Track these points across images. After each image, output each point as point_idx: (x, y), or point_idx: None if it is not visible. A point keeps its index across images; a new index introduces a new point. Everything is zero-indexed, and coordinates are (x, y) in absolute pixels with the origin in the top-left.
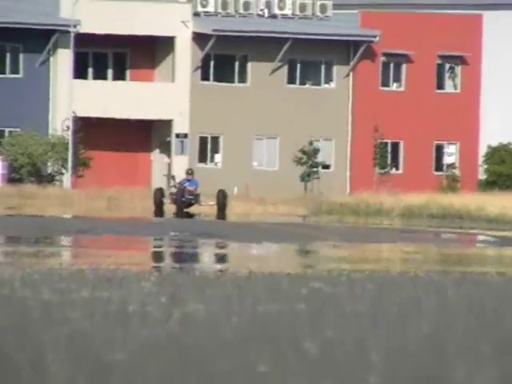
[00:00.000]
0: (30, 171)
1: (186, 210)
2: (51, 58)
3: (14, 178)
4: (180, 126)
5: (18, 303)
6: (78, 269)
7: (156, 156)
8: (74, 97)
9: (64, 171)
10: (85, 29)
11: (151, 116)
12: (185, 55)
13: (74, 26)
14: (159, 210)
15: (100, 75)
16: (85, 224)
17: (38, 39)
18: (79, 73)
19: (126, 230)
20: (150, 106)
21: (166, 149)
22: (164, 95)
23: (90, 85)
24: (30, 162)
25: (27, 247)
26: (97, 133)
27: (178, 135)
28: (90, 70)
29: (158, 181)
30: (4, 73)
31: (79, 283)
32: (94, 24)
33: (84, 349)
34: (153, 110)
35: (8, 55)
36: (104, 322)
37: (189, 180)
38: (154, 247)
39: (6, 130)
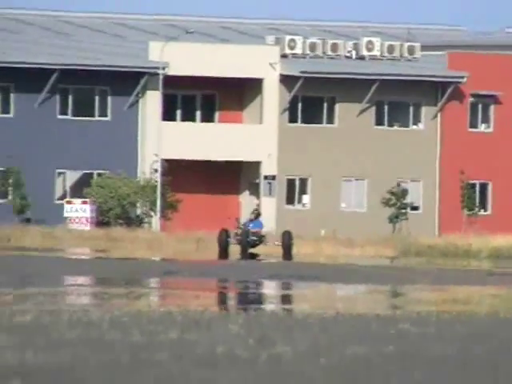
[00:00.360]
0: (118, 214)
1: (250, 250)
2: (140, 101)
3: (102, 221)
4: (268, 168)
5: (106, 345)
6: (166, 311)
7: (245, 198)
8: (162, 139)
9: (152, 214)
10: (173, 71)
11: (240, 158)
12: (273, 97)
13: (163, 69)
14: (224, 252)
15: (188, 117)
16: (173, 266)
17: (126, 82)
18: (168, 115)
19: (215, 272)
20: (239, 148)
21: (254, 190)
22: (252, 137)
23: (179, 127)
24: (119, 205)
25: (116, 289)
26: (185, 175)
27: (266, 177)
28: (179, 112)
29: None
30: (93, 116)
31: (167, 325)
32: (182, 66)
33: None
34: (241, 152)
35: (97, 98)
36: (192, 364)
37: (252, 220)
38: (242, 289)
39: (95, 172)
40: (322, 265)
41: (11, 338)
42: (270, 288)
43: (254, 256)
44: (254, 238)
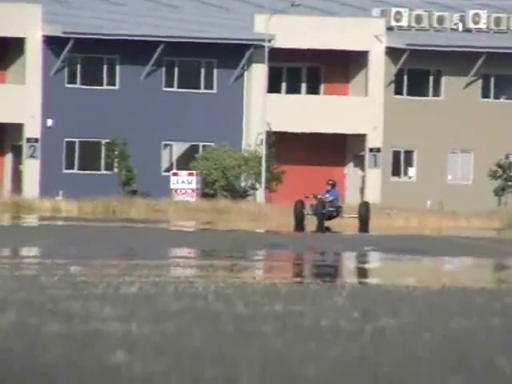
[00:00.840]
0: (223, 186)
1: (327, 222)
2: (245, 73)
3: (207, 193)
4: (373, 141)
5: (211, 317)
6: (270, 283)
7: (350, 170)
8: (267, 111)
9: (257, 186)
10: (279, 43)
11: (345, 130)
12: (378, 70)
13: (269, 41)
14: (299, 224)
15: (294, 89)
16: (277, 239)
17: (232, 54)
18: (273, 87)
19: (318, 244)
20: (344, 120)
21: (359, 163)
22: (357, 109)
23: (284, 99)
24: (224, 177)
25: (221, 261)
26: (290, 147)
27: (371, 149)
28: (284, 85)
29: (352, 194)
30: (198, 88)
31: (272, 297)
32: (287, 39)
33: (276, 364)
34: (346, 124)
35: (202, 71)
36: (296, 336)
37: (328, 191)
38: (347, 261)
39: (200, 144)
40: (428, 237)
41: (116, 310)
42: (373, 261)
43: (327, 229)
44: (331, 209)
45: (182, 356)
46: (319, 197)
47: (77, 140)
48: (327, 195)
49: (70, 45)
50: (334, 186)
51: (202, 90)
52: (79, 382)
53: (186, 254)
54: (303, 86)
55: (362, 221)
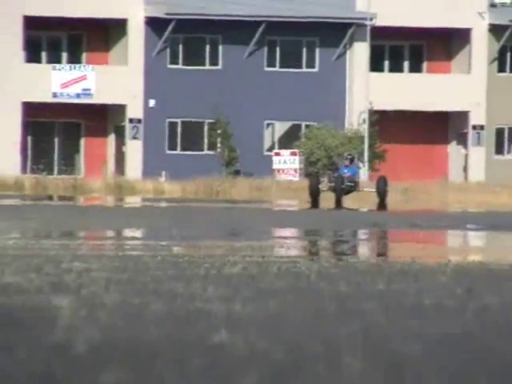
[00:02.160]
0: (326, 165)
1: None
2: (347, 52)
3: (310, 173)
4: (476, 118)
5: (314, 295)
6: (373, 262)
7: (453, 148)
8: (370, 90)
9: (360, 165)
10: (381, 22)
11: (447, 108)
12: (481, 47)
13: (371, 19)
14: (315, 200)
15: (396, 68)
16: (380, 217)
17: (334, 33)
18: (375, 66)
19: (422, 222)
20: (446, 98)
21: (462, 141)
22: (460, 87)
23: (387, 78)
24: (326, 156)
25: (324, 241)
26: (392, 125)
27: (474, 127)
28: (386, 63)
29: (455, 173)
30: (300, 67)
31: (375, 276)
32: (389, 17)
33: (378, 342)
34: (449, 102)
35: (304, 50)
36: (399, 314)
37: (347, 166)
38: (448, 239)
39: (303, 123)
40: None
41: (220, 290)
42: (478, 238)
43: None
44: (350, 183)
45: (285, 334)
46: (339, 173)
47: (179, 120)
48: (345, 170)
49: (172, 25)
50: (352, 160)
51: (304, 69)
52: (183, 361)
53: (289, 233)
54: (405, 64)
55: (381, 196)
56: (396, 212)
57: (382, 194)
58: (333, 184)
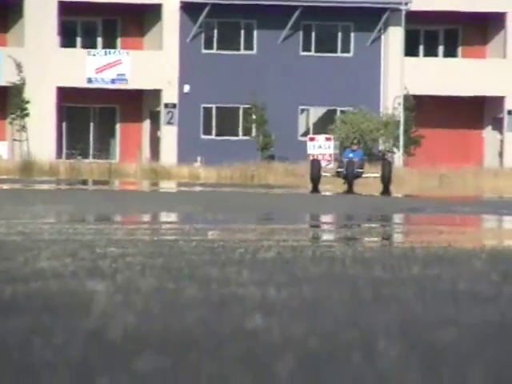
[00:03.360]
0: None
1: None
2: (382, 36)
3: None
4: (511, 102)
5: (349, 281)
6: (409, 247)
7: (488, 133)
8: (405, 75)
9: (395, 150)
10: (415, 6)
11: (483, 93)
12: None
13: (405, 4)
14: (316, 185)
15: (431, 52)
16: (416, 203)
17: (369, 18)
18: (410, 50)
19: (457, 208)
20: (482, 83)
21: (498, 126)
22: (496, 72)
23: (422, 62)
24: (361, 141)
25: (359, 226)
26: (428, 110)
27: (510, 111)
28: (421, 48)
29: (490, 159)
30: (335, 52)
31: (410, 261)
32: (424, 1)
33: (413, 328)
34: (484, 87)
35: (339, 34)
36: (434, 300)
37: (354, 151)
38: (485, 225)
39: (338, 109)
40: None
41: (254, 275)
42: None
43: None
44: (360, 169)
45: (319, 319)
46: (347, 157)
47: (214, 105)
48: (351, 155)
49: (206, 10)
50: (358, 143)
51: (339, 54)
52: (217, 346)
53: (325, 218)
54: (440, 49)
55: (385, 182)
56: (431, 198)
57: (386, 179)
58: (342, 169)
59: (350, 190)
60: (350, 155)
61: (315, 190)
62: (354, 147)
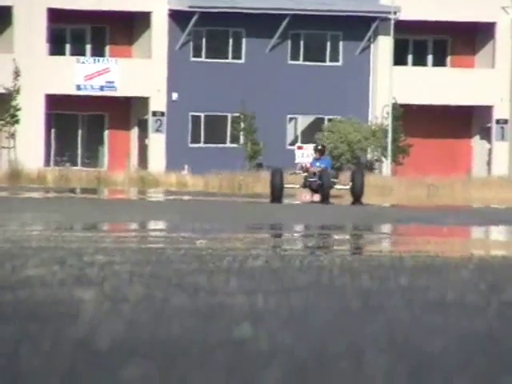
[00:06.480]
0: (349, 159)
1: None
2: (371, 46)
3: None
4: (500, 112)
5: (336, 291)
6: (396, 256)
7: (476, 142)
8: (394, 84)
9: (383, 159)
10: (405, 16)
11: (471, 102)
12: (505, 41)
13: (394, 13)
14: (278, 195)
15: (420, 62)
16: (403, 213)
17: (358, 27)
18: (399, 60)
19: (445, 218)
20: (470, 92)
21: (486, 135)
22: (484, 81)
23: (410, 72)
24: (349, 150)
25: (345, 235)
26: (416, 120)
27: (498, 121)
28: (410, 57)
29: (479, 168)
30: (324, 61)
31: (397, 271)
32: (413, 11)
33: (402, 337)
34: (473, 97)
35: (328, 43)
36: (422, 311)
37: (318, 159)
38: (472, 235)
39: (326, 117)
40: None
41: (242, 283)
42: (503, 234)
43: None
44: (334, 179)
45: (308, 329)
46: (311, 166)
47: (202, 114)
48: (317, 163)
49: (195, 18)
50: (323, 152)
51: (328, 63)
52: (205, 355)
53: (312, 227)
54: (429, 59)
55: (355, 194)
56: (419, 208)
57: (358, 190)
58: (314, 179)
59: (325, 199)
60: (317, 164)
61: (276, 200)
62: (317, 155)
